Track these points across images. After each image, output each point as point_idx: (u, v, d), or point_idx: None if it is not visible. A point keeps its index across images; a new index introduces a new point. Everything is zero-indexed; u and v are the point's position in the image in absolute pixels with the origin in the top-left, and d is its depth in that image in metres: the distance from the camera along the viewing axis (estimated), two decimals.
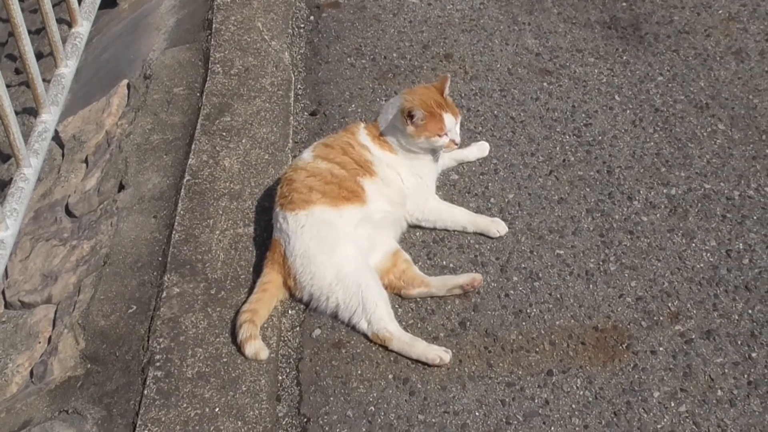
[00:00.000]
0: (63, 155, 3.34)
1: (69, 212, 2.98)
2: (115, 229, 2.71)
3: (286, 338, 2.41)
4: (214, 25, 3.44)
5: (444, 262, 2.59)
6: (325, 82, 3.30)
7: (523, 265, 2.57)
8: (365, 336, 2.37)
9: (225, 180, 2.78)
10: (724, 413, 2.18)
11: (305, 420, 2.21)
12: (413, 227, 2.68)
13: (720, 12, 3.60)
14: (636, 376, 2.27)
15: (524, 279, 2.53)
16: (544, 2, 3.69)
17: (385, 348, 2.34)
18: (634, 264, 2.56)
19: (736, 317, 2.40)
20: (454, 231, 2.67)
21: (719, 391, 2.23)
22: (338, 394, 2.26)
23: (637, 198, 2.77)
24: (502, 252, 2.62)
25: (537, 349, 2.35)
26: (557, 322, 2.41)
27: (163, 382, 2.23)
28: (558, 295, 2.48)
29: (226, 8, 3.53)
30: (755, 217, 2.69)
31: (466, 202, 2.78)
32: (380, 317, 2.33)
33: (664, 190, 2.80)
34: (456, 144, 2.62)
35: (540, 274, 2.54)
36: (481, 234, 2.66)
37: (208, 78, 3.18)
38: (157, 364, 2.27)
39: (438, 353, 2.30)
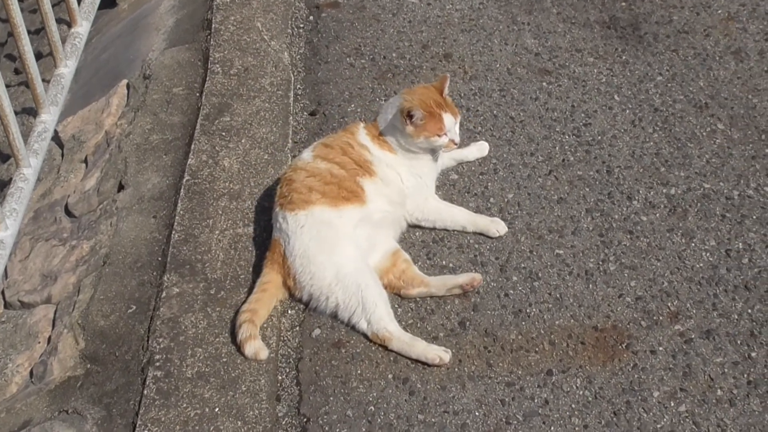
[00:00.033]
0: (62, 155, 3.34)
1: (68, 212, 2.98)
2: (115, 229, 2.71)
3: (285, 338, 2.41)
4: (213, 25, 3.44)
5: (443, 262, 2.59)
6: (325, 82, 3.30)
7: (522, 265, 2.57)
8: (365, 336, 2.37)
9: (224, 180, 2.78)
10: (724, 413, 2.18)
11: (305, 420, 2.21)
12: (413, 227, 2.68)
13: (719, 12, 3.60)
14: (636, 376, 2.27)
15: (524, 279, 2.53)
16: (544, 2, 3.70)
17: (385, 348, 2.34)
18: (633, 264, 2.57)
19: (736, 317, 2.41)
20: (453, 231, 2.67)
21: (719, 390, 2.23)
22: (338, 393, 2.26)
23: (636, 198, 2.78)
24: (502, 252, 2.62)
25: (536, 349, 2.35)
26: (557, 322, 2.41)
27: (162, 382, 2.23)
28: (557, 295, 2.48)
29: (226, 8, 3.53)
30: (755, 217, 2.69)
31: (466, 201, 2.78)
32: (380, 317, 2.33)
33: (664, 190, 2.80)
34: (455, 144, 2.62)
35: (539, 274, 2.54)
36: (481, 234, 2.66)
37: (207, 78, 3.18)
38: (157, 364, 2.27)
39: (437, 353, 2.30)
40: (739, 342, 2.34)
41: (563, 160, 2.93)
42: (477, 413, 2.20)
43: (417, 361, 2.31)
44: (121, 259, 2.61)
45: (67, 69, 3.23)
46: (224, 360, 2.29)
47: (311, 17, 3.66)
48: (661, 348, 2.33)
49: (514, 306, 2.46)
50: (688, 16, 3.58)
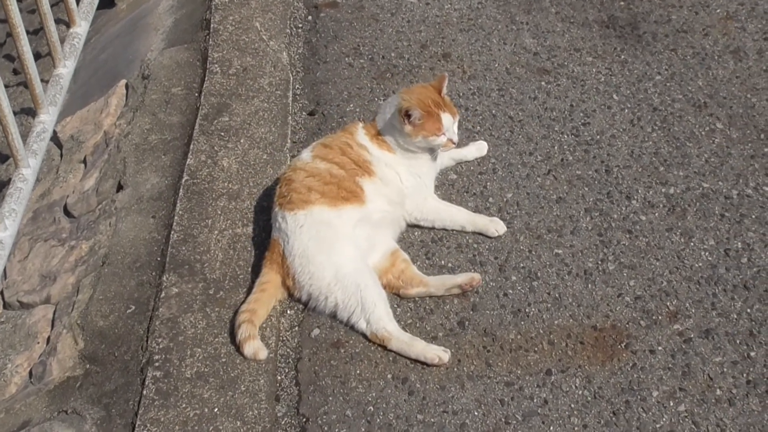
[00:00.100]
0: (61, 155, 3.34)
1: (67, 212, 2.98)
2: (114, 230, 2.71)
3: (284, 338, 2.41)
4: (212, 25, 3.43)
5: (442, 262, 2.59)
6: (324, 82, 3.30)
7: (521, 265, 2.57)
8: (364, 336, 2.37)
9: (223, 180, 2.78)
10: (723, 412, 2.18)
11: (304, 420, 2.21)
12: (412, 227, 2.68)
13: (718, 11, 3.60)
14: (635, 376, 2.27)
15: (523, 278, 2.53)
16: (542, 1, 3.70)
17: (384, 348, 2.34)
18: (632, 263, 2.57)
19: (735, 316, 2.41)
20: (452, 230, 2.67)
21: (718, 390, 2.23)
22: (337, 393, 2.26)
23: (635, 197, 2.78)
24: (501, 251, 2.62)
25: (536, 349, 2.35)
26: (556, 322, 2.41)
27: (162, 383, 2.23)
28: (557, 295, 2.48)
29: (224, 8, 3.53)
30: (753, 216, 2.69)
31: (465, 201, 2.78)
32: (379, 317, 2.33)
33: (663, 189, 2.80)
34: (454, 143, 2.62)
35: (538, 274, 2.54)
36: (480, 233, 2.66)
37: (206, 78, 3.18)
38: (156, 364, 2.27)
39: (437, 353, 2.30)
40: (738, 341, 2.34)
41: (562, 159, 2.93)
42: (476, 413, 2.20)
43: (416, 360, 2.31)
44: (120, 259, 2.61)
45: (65, 69, 3.23)
46: (223, 360, 2.29)
47: (310, 17, 3.66)
48: (660, 347, 2.33)
49: (513, 306, 2.46)
50: (686, 16, 3.59)
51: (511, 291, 2.50)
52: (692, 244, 2.62)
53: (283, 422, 2.21)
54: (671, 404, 2.20)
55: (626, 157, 2.92)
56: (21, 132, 2.84)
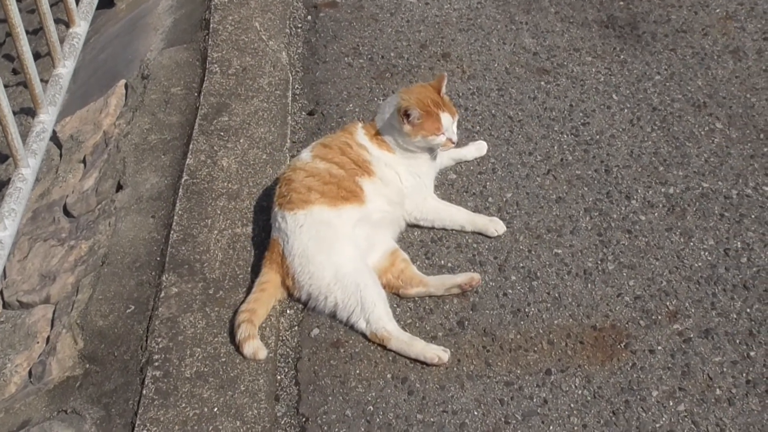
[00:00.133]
0: (61, 155, 3.34)
1: (67, 212, 2.98)
2: (113, 229, 2.71)
3: (284, 338, 2.41)
4: (211, 25, 3.43)
5: (442, 262, 2.59)
6: (323, 82, 3.30)
7: (521, 265, 2.57)
8: (363, 335, 2.37)
9: (223, 180, 2.78)
10: (723, 412, 2.18)
11: (304, 419, 2.21)
12: (411, 226, 2.68)
13: (717, 11, 3.60)
14: (634, 375, 2.27)
15: (522, 278, 2.53)
16: (542, 1, 3.70)
17: (384, 347, 2.34)
18: (632, 263, 2.57)
19: (735, 316, 2.41)
20: (452, 230, 2.67)
21: (718, 390, 2.23)
22: (337, 393, 2.26)
23: (635, 197, 2.78)
24: (501, 251, 2.62)
25: (535, 349, 2.35)
26: (555, 321, 2.41)
27: (161, 382, 2.23)
28: (556, 295, 2.48)
29: (224, 8, 3.53)
30: (753, 216, 2.69)
31: (464, 201, 2.78)
32: (379, 316, 2.33)
33: (662, 189, 2.80)
34: (453, 143, 2.62)
35: (538, 274, 2.54)
36: (480, 233, 2.66)
37: (205, 78, 3.18)
38: (156, 363, 2.27)
39: (436, 352, 2.30)
40: (737, 341, 2.34)
41: (561, 159, 2.93)
42: (476, 413, 2.20)
43: (416, 360, 2.31)
44: (120, 259, 2.61)
45: (65, 69, 3.23)
46: (223, 360, 2.29)
47: (309, 17, 3.66)
48: (659, 347, 2.33)
49: (513, 305, 2.46)
50: (686, 15, 3.59)
51: (510, 291, 2.50)
52: (692, 243, 2.62)
53: (282, 422, 2.21)
54: (671, 404, 2.20)
55: (626, 157, 2.92)
56: (20, 132, 2.84)
